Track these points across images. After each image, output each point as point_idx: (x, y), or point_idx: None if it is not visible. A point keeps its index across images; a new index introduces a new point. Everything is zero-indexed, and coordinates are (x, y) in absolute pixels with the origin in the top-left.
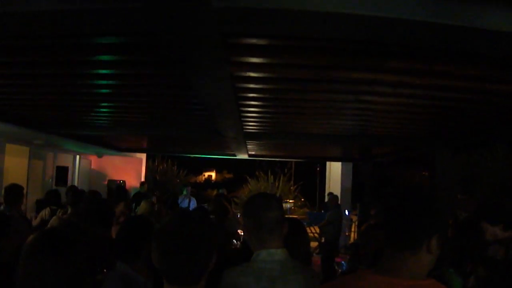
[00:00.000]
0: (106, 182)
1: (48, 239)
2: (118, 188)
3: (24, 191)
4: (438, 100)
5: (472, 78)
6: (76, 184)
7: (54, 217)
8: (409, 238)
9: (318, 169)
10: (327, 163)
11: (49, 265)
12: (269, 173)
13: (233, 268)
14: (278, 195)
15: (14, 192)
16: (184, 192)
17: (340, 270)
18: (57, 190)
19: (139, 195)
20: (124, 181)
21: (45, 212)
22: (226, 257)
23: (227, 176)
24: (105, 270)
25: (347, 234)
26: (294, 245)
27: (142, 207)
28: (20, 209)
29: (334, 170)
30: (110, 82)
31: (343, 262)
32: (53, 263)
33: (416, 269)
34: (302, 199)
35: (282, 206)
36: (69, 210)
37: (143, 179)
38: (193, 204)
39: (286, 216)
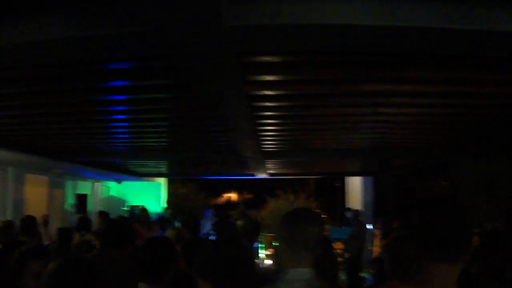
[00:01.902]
0: (126, 208)
1: (71, 265)
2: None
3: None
4: (456, 107)
5: (489, 83)
6: (96, 210)
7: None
8: (454, 251)
9: (337, 184)
10: (347, 178)
11: None
12: (289, 192)
13: None
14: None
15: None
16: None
17: (365, 286)
18: (87, 217)
19: (163, 219)
20: (144, 206)
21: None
22: None
23: (247, 196)
24: None
25: (369, 248)
26: (322, 261)
27: (169, 234)
28: (37, 237)
29: (354, 185)
30: (126, 107)
31: (367, 276)
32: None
33: (450, 280)
34: (323, 215)
35: (322, 223)
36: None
37: (165, 204)
38: None
39: None
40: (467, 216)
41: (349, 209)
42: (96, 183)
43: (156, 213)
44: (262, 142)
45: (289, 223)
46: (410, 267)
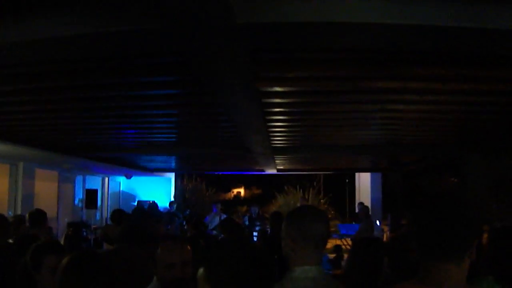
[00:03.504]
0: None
1: (83, 259)
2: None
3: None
4: (465, 105)
5: (499, 80)
6: (106, 205)
7: None
8: (455, 249)
9: (347, 180)
10: (356, 174)
11: (84, 285)
12: (298, 187)
13: None
14: None
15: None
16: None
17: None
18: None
19: (170, 214)
20: (153, 201)
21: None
22: None
23: (256, 192)
24: None
25: None
26: None
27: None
28: (47, 231)
29: (363, 181)
30: (137, 103)
31: None
32: (88, 283)
33: (460, 278)
34: (332, 212)
35: (328, 220)
36: None
37: (172, 199)
38: None
39: None
40: (469, 212)
41: (362, 203)
42: (105, 178)
43: (165, 208)
44: (272, 138)
45: (295, 220)
46: (413, 267)
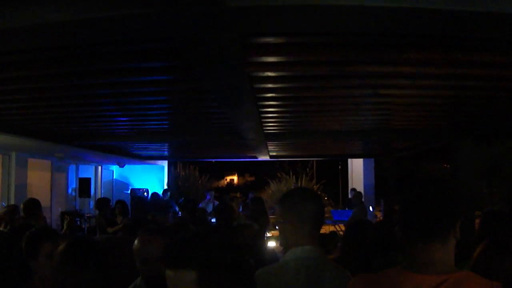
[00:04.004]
0: (128, 191)
1: (80, 245)
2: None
3: (49, 204)
4: (457, 89)
5: (491, 65)
6: (99, 194)
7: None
8: (438, 229)
9: (339, 166)
10: (349, 160)
11: (81, 271)
12: (291, 174)
13: (266, 268)
14: None
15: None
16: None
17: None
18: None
19: (164, 203)
20: (147, 190)
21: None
22: None
23: (249, 179)
24: None
25: None
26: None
27: None
28: (42, 221)
29: (356, 167)
30: (128, 90)
31: None
32: (84, 269)
33: (447, 259)
34: (325, 198)
35: (321, 199)
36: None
37: (165, 187)
38: None
39: None
40: (449, 193)
41: (355, 189)
42: (98, 167)
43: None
44: (264, 124)
45: (289, 202)
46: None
